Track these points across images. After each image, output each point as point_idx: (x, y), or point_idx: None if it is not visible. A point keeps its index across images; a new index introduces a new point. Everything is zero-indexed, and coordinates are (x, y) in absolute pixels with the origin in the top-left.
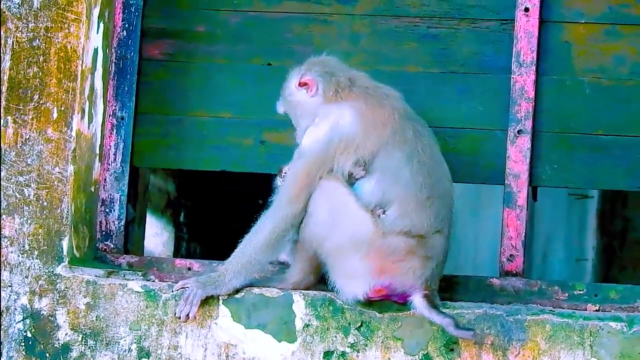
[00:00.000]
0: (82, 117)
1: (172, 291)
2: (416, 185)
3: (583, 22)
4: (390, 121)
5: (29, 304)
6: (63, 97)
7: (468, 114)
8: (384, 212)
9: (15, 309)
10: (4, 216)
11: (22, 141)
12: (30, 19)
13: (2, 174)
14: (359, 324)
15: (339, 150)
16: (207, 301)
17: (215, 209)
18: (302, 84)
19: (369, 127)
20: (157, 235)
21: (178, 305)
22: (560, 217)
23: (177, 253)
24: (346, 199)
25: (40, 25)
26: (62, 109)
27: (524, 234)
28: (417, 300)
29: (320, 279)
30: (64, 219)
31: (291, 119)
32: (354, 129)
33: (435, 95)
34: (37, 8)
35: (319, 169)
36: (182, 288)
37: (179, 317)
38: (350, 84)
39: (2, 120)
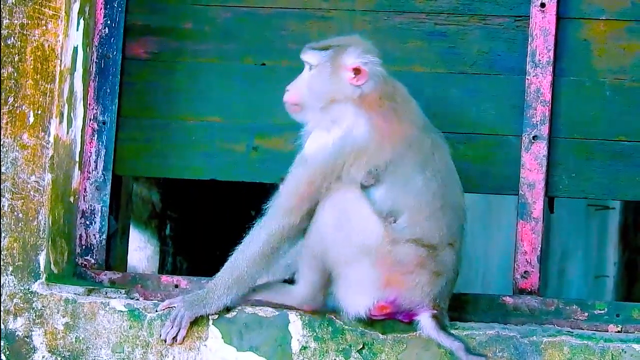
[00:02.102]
0: (61, 122)
1: (158, 310)
2: (429, 193)
3: (604, 18)
4: (407, 136)
5: (3, 324)
6: (40, 99)
7: (478, 118)
8: (394, 221)
9: None
10: None
11: None
12: (4, 14)
13: None
14: (361, 346)
15: (349, 161)
16: (196, 321)
17: (203, 222)
18: (355, 70)
19: (384, 141)
20: (140, 250)
21: (164, 327)
22: (578, 230)
23: (162, 269)
24: (357, 203)
25: (15, 21)
26: (39, 112)
27: (539, 248)
28: (425, 320)
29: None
30: (40, 232)
31: (295, 85)
32: (367, 141)
33: (442, 97)
34: (12, 3)
35: (325, 179)
36: (169, 308)
37: (165, 340)
38: (387, 97)
39: None
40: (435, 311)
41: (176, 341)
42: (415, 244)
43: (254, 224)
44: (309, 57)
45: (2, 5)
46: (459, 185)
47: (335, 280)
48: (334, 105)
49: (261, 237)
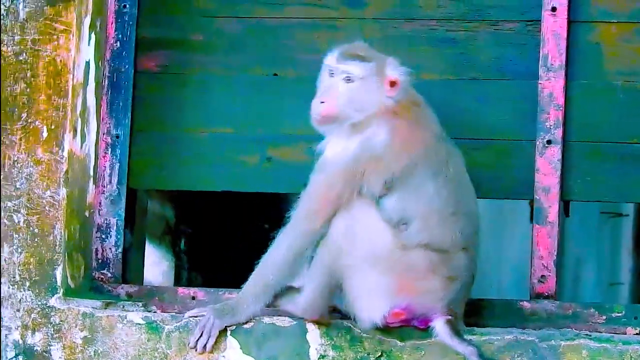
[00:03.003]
0: (74, 136)
1: (184, 318)
2: (441, 199)
3: (614, 21)
4: (425, 143)
5: (22, 339)
6: (53, 114)
7: (490, 123)
8: (406, 228)
9: (7, 345)
10: None
11: (10, 163)
12: (16, 31)
13: None
14: (379, 354)
15: (369, 169)
16: None
17: (217, 236)
18: (392, 83)
19: (402, 147)
20: (155, 265)
21: (192, 335)
22: (591, 237)
23: (177, 283)
24: (366, 211)
25: (27, 37)
26: (53, 127)
27: (555, 252)
28: (439, 326)
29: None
30: (56, 247)
31: (331, 97)
32: (385, 147)
33: (453, 104)
34: (23, 19)
35: (345, 184)
36: (196, 316)
37: (194, 349)
38: (413, 104)
39: None
40: (450, 316)
41: (206, 350)
42: (426, 249)
43: (270, 236)
44: (351, 67)
45: (13, 22)
46: (472, 192)
47: (347, 290)
48: (366, 114)
49: (284, 244)
